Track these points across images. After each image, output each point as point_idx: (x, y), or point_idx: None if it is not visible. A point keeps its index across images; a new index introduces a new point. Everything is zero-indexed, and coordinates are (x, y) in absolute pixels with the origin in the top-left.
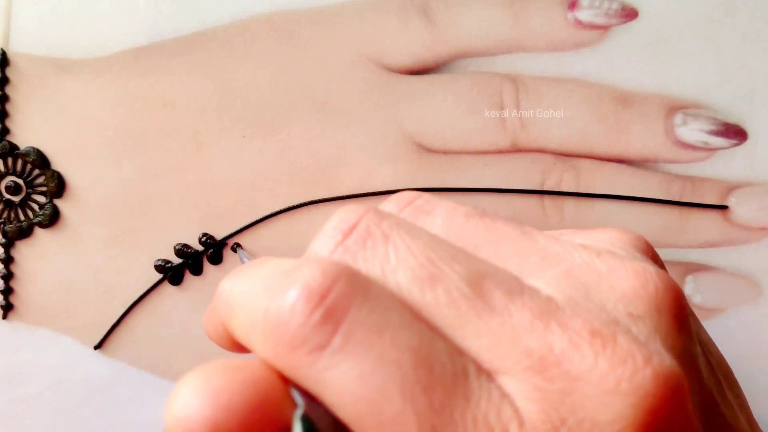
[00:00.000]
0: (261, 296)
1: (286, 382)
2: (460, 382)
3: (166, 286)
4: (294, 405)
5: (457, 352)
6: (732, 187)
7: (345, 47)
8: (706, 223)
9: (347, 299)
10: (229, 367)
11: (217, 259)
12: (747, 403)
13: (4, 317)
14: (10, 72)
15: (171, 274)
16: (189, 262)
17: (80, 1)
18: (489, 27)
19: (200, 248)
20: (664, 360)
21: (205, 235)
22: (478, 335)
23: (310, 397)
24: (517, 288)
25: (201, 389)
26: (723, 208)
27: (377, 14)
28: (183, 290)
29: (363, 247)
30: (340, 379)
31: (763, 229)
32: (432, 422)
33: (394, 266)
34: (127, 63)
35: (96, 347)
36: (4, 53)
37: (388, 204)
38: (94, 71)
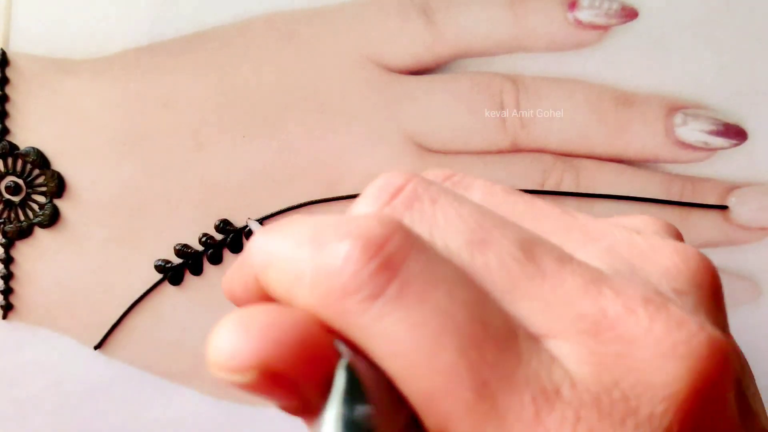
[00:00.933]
0: (307, 248)
1: (330, 333)
2: (512, 342)
3: (166, 286)
4: (337, 355)
5: (506, 315)
6: (732, 187)
7: (345, 47)
8: (705, 223)
9: (404, 250)
10: (274, 309)
11: (217, 259)
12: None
13: (4, 317)
14: (10, 72)
15: (171, 274)
16: (189, 262)
17: (80, 1)
18: (489, 27)
19: (200, 248)
20: (715, 329)
21: (205, 235)
22: (530, 298)
23: (353, 350)
24: (566, 256)
25: (248, 324)
26: (723, 208)
27: (377, 14)
28: (183, 290)
29: (410, 208)
30: (393, 328)
31: (762, 229)
32: (484, 377)
33: (443, 229)
34: (128, 63)
35: (96, 347)
36: (4, 53)
37: (431, 172)
38: (94, 71)
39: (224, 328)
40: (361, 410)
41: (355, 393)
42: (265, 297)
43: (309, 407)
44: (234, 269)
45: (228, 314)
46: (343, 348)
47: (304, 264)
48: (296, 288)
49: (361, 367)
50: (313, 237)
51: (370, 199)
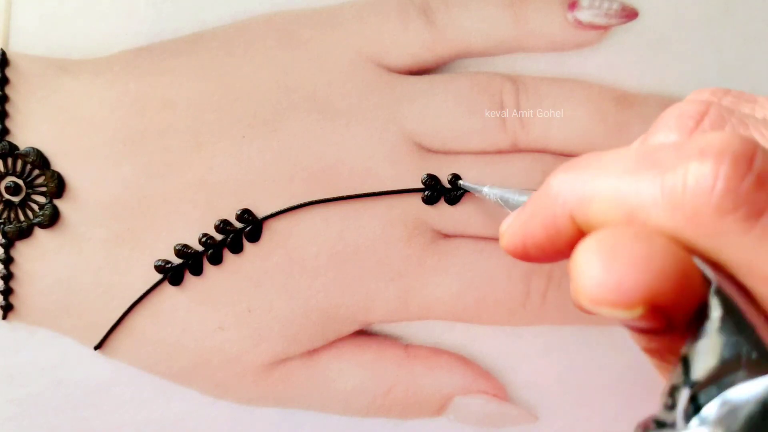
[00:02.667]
0: (647, 173)
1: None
2: None
3: (166, 287)
4: (704, 278)
5: None
6: None
7: (345, 47)
8: None
9: None
10: (639, 235)
11: (217, 259)
12: None
13: (4, 317)
14: (10, 72)
15: (171, 274)
16: (189, 262)
17: (80, 1)
18: (489, 27)
19: (200, 248)
20: None
21: (205, 235)
22: None
23: (716, 271)
24: None
25: (624, 254)
26: None
27: (377, 14)
28: (183, 290)
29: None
30: None
31: None
32: None
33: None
34: (127, 63)
35: (96, 347)
36: (4, 53)
37: (701, 95)
38: (94, 71)
39: (596, 257)
40: (740, 335)
41: (732, 318)
42: (580, 236)
43: (670, 330)
44: (525, 221)
45: (585, 242)
46: (709, 271)
47: (648, 189)
48: (642, 214)
49: (728, 290)
50: (651, 162)
51: (672, 129)
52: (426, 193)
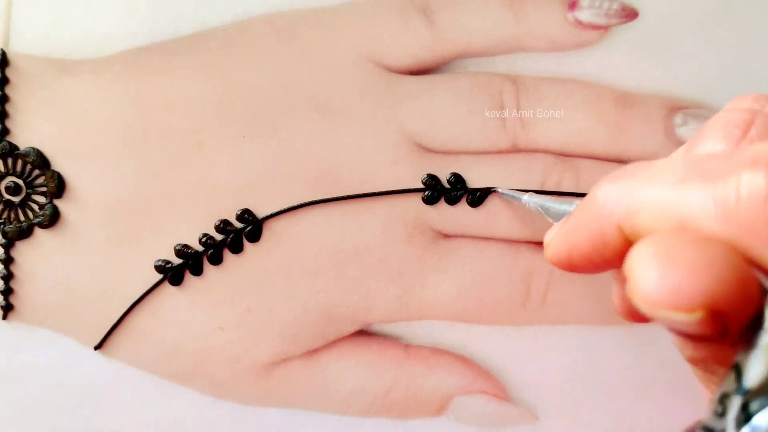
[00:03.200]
0: (697, 184)
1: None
2: None
3: (166, 287)
4: (761, 286)
5: None
6: None
7: (345, 47)
8: None
9: None
10: (698, 240)
11: (217, 260)
12: None
13: (4, 317)
14: (10, 72)
15: (171, 274)
16: (189, 262)
17: (80, 1)
18: (489, 27)
19: (200, 248)
20: None
21: (205, 235)
22: None
23: None
24: None
25: (684, 259)
26: None
27: (377, 14)
28: (183, 290)
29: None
30: None
31: None
32: None
33: None
34: (128, 63)
35: (96, 347)
36: (4, 53)
37: (743, 102)
38: (94, 71)
39: (654, 259)
40: None
41: None
42: (628, 246)
43: (723, 337)
44: (570, 232)
45: (642, 244)
46: (766, 281)
47: (699, 199)
48: (693, 224)
49: None
50: (701, 172)
51: (719, 138)
52: (426, 193)
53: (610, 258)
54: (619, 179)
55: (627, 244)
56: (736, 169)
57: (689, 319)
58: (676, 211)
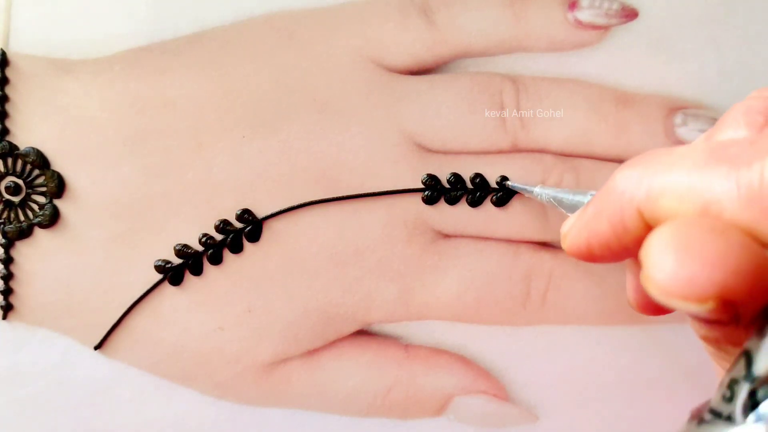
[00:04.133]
0: (721, 169)
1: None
2: None
3: (166, 287)
4: None
5: None
6: None
7: (345, 47)
8: None
9: None
10: (715, 228)
11: (217, 259)
12: None
13: (4, 317)
14: (10, 72)
15: (171, 274)
16: (189, 262)
17: (80, 1)
18: (489, 27)
19: (200, 248)
20: None
21: (205, 235)
22: None
23: None
24: None
25: (697, 248)
26: None
27: (377, 14)
28: (183, 290)
29: None
30: None
31: None
32: None
33: None
34: (127, 63)
35: (96, 347)
36: (3, 53)
37: (765, 91)
38: (94, 71)
39: (670, 249)
40: None
41: None
42: (648, 231)
43: (735, 322)
44: (589, 220)
45: (659, 231)
46: None
47: (722, 184)
48: (715, 208)
49: None
50: (724, 157)
51: (741, 124)
52: (426, 193)
53: (630, 244)
54: (640, 163)
55: (647, 229)
56: (761, 154)
57: (701, 309)
58: (698, 195)
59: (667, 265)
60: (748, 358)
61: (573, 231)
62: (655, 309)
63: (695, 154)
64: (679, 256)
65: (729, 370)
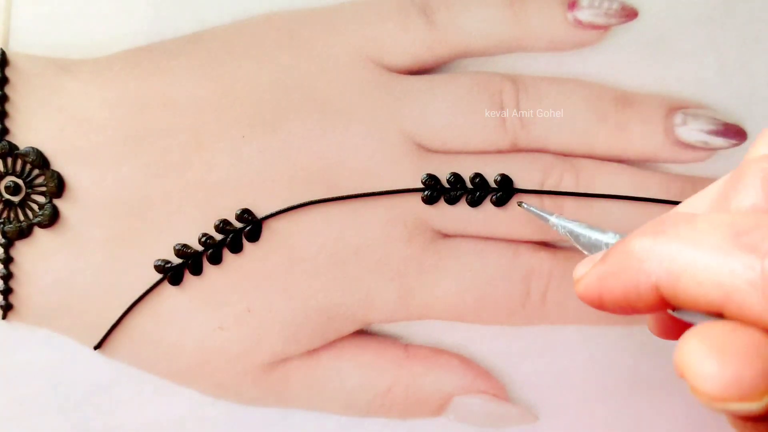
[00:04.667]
0: (741, 255)
1: None
2: None
3: (166, 286)
4: None
5: None
6: None
7: (345, 47)
8: None
9: None
10: (736, 328)
11: (217, 259)
12: None
13: (4, 317)
14: (10, 72)
15: (171, 274)
16: (189, 262)
17: (80, 1)
18: (489, 27)
19: (200, 248)
20: None
21: (205, 235)
22: None
23: None
24: None
25: (738, 347)
26: None
27: (377, 14)
28: (183, 290)
29: None
30: None
31: None
32: None
33: None
34: (127, 63)
35: (96, 347)
36: (3, 53)
37: None
38: (94, 71)
39: (708, 356)
40: None
41: None
42: (661, 302)
43: None
44: (603, 276)
45: (687, 339)
46: None
47: (745, 273)
48: (737, 297)
49: None
50: (748, 244)
51: (759, 192)
52: (426, 193)
53: (642, 309)
54: (661, 234)
55: (662, 301)
56: None
57: (758, 407)
58: (720, 283)
59: (710, 372)
60: None
61: (586, 280)
62: (678, 333)
63: (718, 233)
64: (719, 361)
65: None
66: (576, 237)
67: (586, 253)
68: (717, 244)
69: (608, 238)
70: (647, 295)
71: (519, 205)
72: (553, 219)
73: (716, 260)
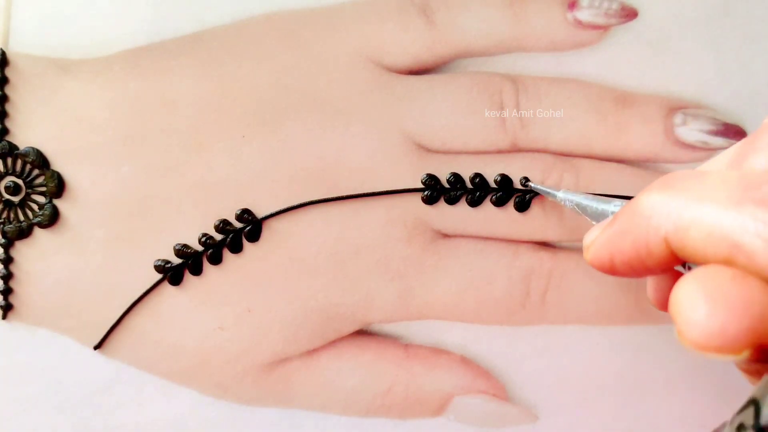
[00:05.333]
0: (749, 207)
1: None
2: None
3: (166, 286)
4: None
5: None
6: None
7: (345, 47)
8: None
9: None
10: (737, 277)
11: (217, 259)
12: None
13: (4, 317)
14: (10, 72)
15: (171, 274)
16: (189, 262)
17: (80, 1)
18: (489, 27)
19: (200, 248)
20: None
21: (205, 235)
22: None
23: None
24: None
25: (725, 298)
26: None
27: (377, 14)
28: (183, 290)
29: None
30: None
31: None
32: None
33: None
34: (127, 63)
35: (96, 347)
36: (3, 53)
37: None
38: (94, 71)
39: (698, 303)
40: None
41: None
42: (672, 258)
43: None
44: (612, 237)
45: (684, 281)
46: None
47: (754, 226)
48: (745, 250)
49: None
50: (758, 198)
51: None
52: (426, 193)
53: (653, 267)
54: (669, 189)
55: (672, 256)
56: None
57: (738, 359)
58: (728, 235)
59: (697, 319)
60: (757, 406)
61: (596, 244)
62: None
63: (728, 186)
64: (707, 310)
65: (738, 413)
66: (584, 209)
67: (594, 223)
68: (726, 197)
69: (614, 206)
70: (658, 250)
71: (524, 184)
72: (560, 194)
73: (725, 213)
